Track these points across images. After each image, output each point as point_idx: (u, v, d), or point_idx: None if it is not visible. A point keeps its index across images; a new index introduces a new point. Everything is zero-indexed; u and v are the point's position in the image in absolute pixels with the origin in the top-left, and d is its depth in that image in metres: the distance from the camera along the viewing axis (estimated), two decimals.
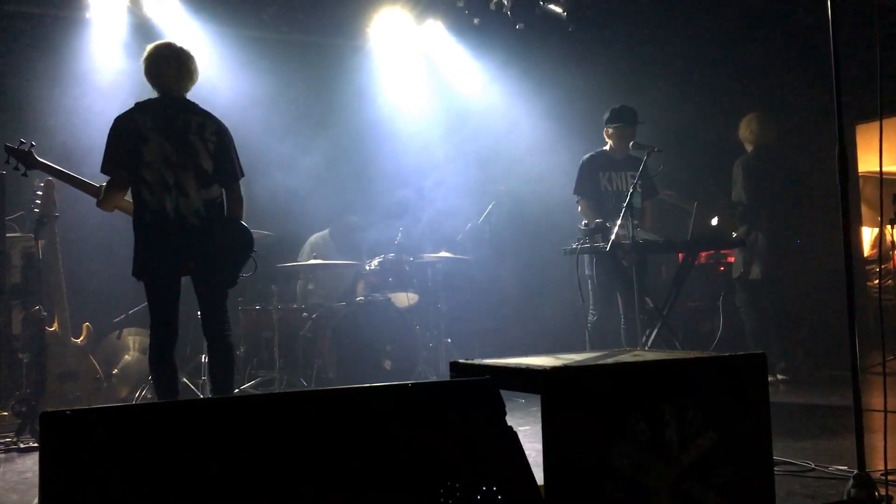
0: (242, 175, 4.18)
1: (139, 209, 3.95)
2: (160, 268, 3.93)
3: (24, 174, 4.21)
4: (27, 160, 4.17)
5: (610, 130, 5.66)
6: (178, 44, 4.18)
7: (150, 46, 4.15)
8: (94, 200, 4.16)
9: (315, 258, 6.22)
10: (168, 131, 3.98)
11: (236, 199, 4.16)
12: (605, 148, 5.73)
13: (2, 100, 5.95)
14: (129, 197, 4.07)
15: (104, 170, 3.99)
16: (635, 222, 4.93)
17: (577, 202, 5.69)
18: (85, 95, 6.12)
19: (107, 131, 3.97)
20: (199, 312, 4.17)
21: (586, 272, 5.49)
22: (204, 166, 4.02)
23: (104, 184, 4.08)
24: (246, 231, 4.15)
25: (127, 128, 3.97)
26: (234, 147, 4.17)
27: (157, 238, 3.90)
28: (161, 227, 3.90)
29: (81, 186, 4.21)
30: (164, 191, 3.92)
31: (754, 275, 6.03)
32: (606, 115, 5.68)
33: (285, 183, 6.28)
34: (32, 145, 4.21)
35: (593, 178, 5.62)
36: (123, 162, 3.95)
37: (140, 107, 4.05)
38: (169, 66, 4.09)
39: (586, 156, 5.72)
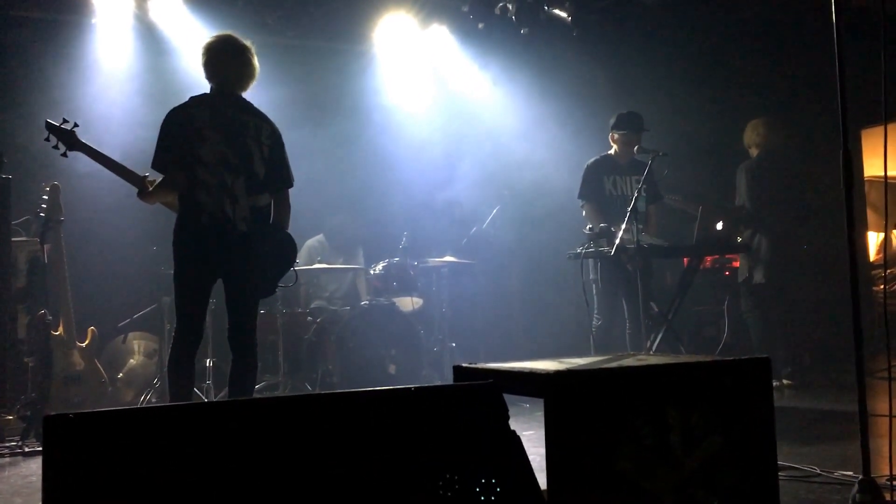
0: (293, 181, 4.00)
1: (193, 210, 3.71)
2: (203, 271, 3.75)
3: (64, 154, 3.85)
4: (69, 140, 3.82)
5: (616, 136, 5.66)
6: (241, 38, 3.91)
7: (212, 37, 3.90)
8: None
9: (320, 262, 6.22)
10: (226, 131, 3.76)
11: (285, 207, 3.97)
12: (609, 152, 5.73)
13: (8, 99, 5.95)
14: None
15: (157, 166, 3.75)
16: (640, 227, 4.93)
17: (582, 207, 5.69)
18: (90, 94, 6.07)
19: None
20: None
21: (591, 276, 5.49)
22: (256, 171, 3.82)
23: (148, 174, 3.84)
24: (291, 240, 3.98)
25: (183, 122, 3.73)
26: (286, 152, 3.98)
27: (210, 241, 3.71)
28: (219, 231, 3.70)
29: (124, 175, 3.86)
30: (224, 193, 3.71)
31: (757, 279, 6.01)
32: (613, 120, 5.67)
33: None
34: (76, 125, 3.87)
35: (598, 183, 5.62)
36: (181, 161, 3.71)
37: (196, 101, 3.81)
38: (234, 61, 3.84)
39: (591, 160, 5.72)
